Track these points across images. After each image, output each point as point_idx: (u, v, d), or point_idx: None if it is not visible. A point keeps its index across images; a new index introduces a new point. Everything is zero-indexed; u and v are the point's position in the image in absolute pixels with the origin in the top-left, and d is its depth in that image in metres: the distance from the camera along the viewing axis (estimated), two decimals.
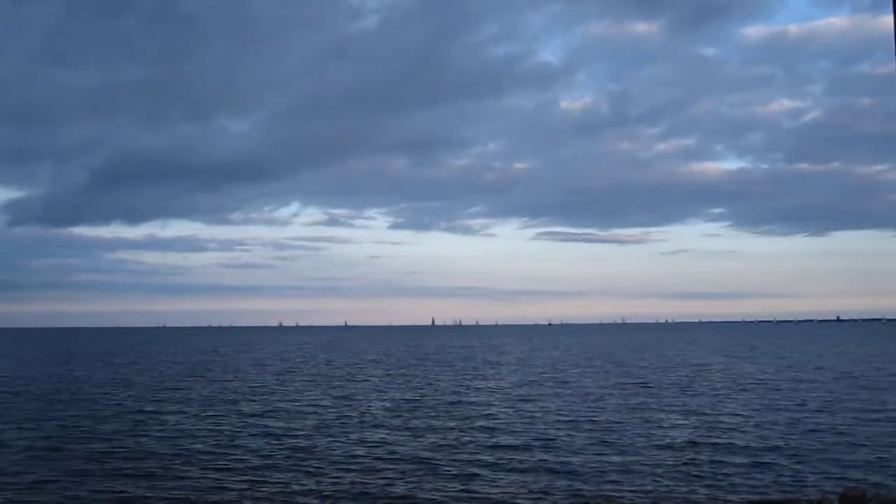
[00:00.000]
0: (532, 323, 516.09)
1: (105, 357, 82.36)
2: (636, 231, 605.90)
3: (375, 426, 26.71)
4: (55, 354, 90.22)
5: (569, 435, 24.32)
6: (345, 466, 19.78)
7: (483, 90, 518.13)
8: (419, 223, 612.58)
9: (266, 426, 26.74)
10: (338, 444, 22.97)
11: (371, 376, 50.37)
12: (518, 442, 23.19)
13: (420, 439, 23.84)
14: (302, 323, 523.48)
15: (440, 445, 22.73)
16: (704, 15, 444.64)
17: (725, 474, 18.69)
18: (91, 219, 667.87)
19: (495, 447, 22.35)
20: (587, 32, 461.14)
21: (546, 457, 20.80)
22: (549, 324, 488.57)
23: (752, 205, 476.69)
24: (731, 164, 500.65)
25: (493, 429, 25.80)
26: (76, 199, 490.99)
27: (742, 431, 24.94)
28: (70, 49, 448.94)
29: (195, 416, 29.69)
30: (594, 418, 28.07)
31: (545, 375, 49.53)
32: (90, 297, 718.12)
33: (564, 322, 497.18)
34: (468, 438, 23.91)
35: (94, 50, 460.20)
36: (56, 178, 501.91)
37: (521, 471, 19.19)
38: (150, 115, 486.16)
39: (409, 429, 26.01)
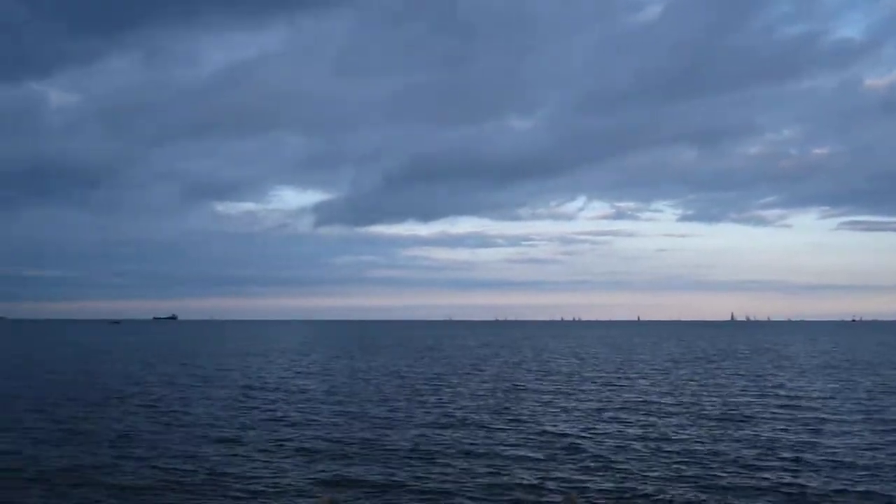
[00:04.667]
0: (832, 319, 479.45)
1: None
2: None
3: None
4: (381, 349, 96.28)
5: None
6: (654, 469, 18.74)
7: (775, 73, 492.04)
8: (708, 215, 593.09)
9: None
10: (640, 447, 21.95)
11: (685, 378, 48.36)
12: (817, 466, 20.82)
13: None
14: (585, 318, 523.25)
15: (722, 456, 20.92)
16: None
17: None
18: (388, 218, 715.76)
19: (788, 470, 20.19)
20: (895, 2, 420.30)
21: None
22: (853, 320, 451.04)
23: None
24: None
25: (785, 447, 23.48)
26: (374, 200, 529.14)
27: None
28: (365, 60, 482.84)
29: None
30: None
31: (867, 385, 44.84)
32: (386, 291, 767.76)
33: (869, 318, 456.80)
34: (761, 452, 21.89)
35: (386, 59, 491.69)
36: (356, 181, 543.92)
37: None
38: (439, 117, 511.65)
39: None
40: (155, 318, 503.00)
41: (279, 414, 29.55)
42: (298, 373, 50.46)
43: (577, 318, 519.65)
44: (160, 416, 29.05)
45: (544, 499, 16.78)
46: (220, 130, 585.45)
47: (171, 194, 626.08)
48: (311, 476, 18.80)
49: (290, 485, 17.88)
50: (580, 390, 38.70)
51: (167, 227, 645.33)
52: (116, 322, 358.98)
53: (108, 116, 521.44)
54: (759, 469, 19.51)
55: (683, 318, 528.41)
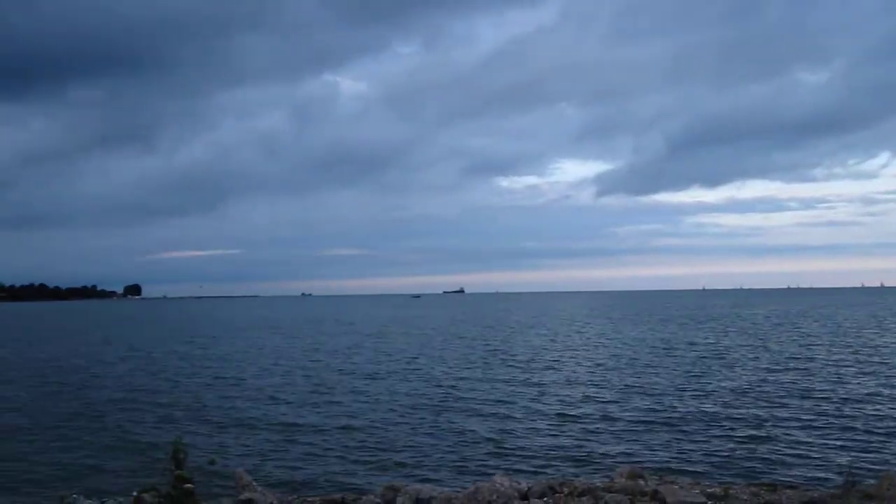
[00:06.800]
0: None
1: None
2: None
3: None
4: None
5: None
6: None
7: None
8: None
9: None
10: None
11: None
12: None
13: None
14: (892, 283, 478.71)
15: None
16: None
17: None
18: (670, 185, 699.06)
19: None
20: None
21: None
22: None
23: None
24: None
25: None
26: (656, 167, 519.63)
27: None
28: (640, 24, 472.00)
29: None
30: None
31: None
32: (671, 260, 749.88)
33: None
34: None
35: (663, 21, 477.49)
36: (636, 148, 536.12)
37: None
38: (721, 77, 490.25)
39: None
40: (444, 293, 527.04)
41: (565, 390, 29.50)
42: (585, 346, 50.37)
43: (882, 284, 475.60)
44: (441, 390, 30.08)
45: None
46: (500, 107, 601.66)
47: (456, 172, 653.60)
48: (610, 449, 18.58)
49: (592, 457, 17.71)
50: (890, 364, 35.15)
51: (453, 204, 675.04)
52: (417, 296, 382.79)
53: (395, 101, 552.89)
54: None
55: None
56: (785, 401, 25.34)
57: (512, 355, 43.61)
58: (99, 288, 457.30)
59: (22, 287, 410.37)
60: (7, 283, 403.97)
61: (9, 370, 40.70)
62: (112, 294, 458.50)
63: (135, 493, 10.92)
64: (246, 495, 10.86)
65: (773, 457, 17.69)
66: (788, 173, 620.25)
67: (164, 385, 32.83)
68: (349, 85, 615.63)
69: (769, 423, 21.52)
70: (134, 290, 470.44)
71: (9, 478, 17.13)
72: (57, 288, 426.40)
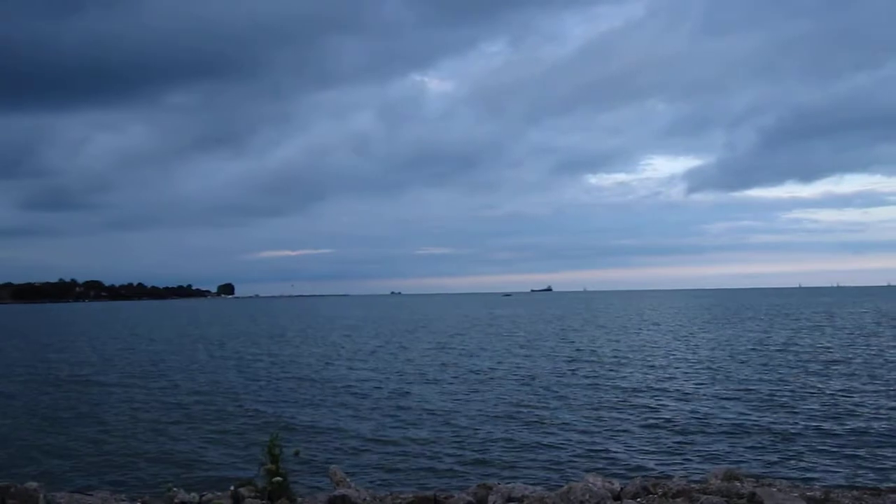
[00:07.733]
0: None
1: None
2: None
3: None
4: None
5: None
6: None
7: None
8: None
9: None
10: None
11: None
12: None
13: None
14: None
15: None
16: None
17: None
18: (764, 180, 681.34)
19: None
20: None
21: None
22: None
23: None
24: None
25: None
26: (749, 162, 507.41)
27: None
28: (732, 16, 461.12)
29: None
30: None
31: None
32: (765, 257, 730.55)
33: None
34: None
35: (753, 13, 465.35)
36: (728, 143, 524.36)
37: None
38: (816, 68, 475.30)
39: None
40: (532, 291, 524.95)
41: (656, 392, 29.04)
42: (676, 346, 49.51)
43: None
44: (530, 391, 29.93)
45: None
46: (588, 103, 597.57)
47: (545, 170, 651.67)
48: (703, 451, 18.26)
49: (685, 459, 17.41)
50: None
51: (543, 202, 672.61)
52: (508, 295, 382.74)
53: (482, 99, 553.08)
54: None
55: None
56: (890, 404, 24.42)
57: (601, 356, 43.08)
58: (194, 287, 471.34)
59: (122, 286, 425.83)
60: (108, 283, 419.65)
61: (111, 367, 42.29)
62: (206, 293, 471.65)
63: (232, 488, 11.19)
64: (340, 491, 11.01)
65: (877, 462, 17.07)
66: (890, 166, 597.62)
67: (253, 385, 33.58)
68: (436, 84, 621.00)
69: (873, 429, 20.74)
70: (227, 289, 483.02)
71: (112, 471, 17.82)
72: (154, 287, 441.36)
